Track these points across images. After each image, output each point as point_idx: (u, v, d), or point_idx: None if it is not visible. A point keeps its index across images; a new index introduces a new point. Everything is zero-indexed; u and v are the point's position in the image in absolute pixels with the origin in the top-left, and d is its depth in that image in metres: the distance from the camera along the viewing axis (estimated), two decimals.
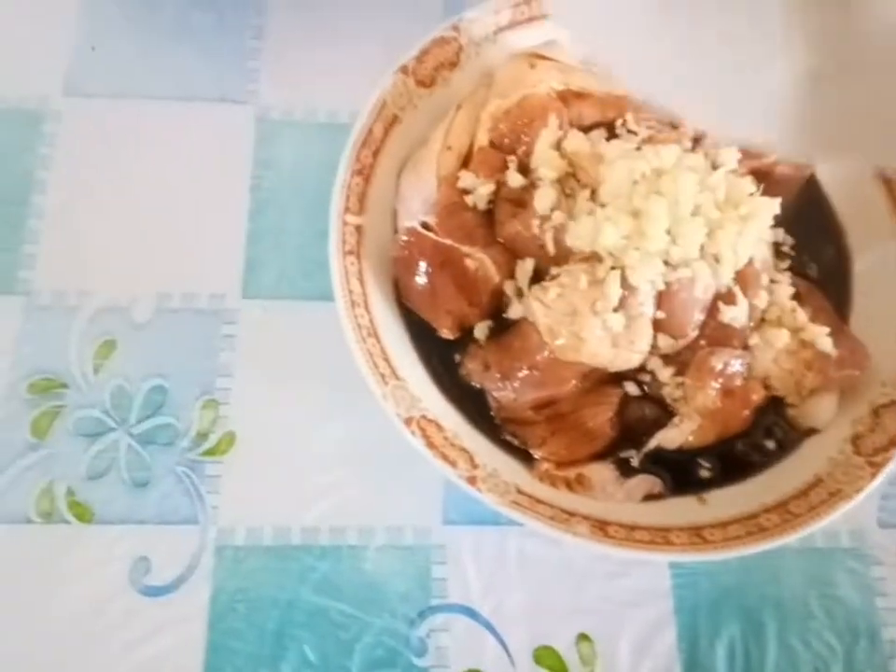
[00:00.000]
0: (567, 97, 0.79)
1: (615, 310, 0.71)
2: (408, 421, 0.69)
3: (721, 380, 0.73)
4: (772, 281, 0.78)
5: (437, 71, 0.83)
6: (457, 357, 0.78)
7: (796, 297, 0.78)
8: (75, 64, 0.94)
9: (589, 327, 0.71)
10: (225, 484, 0.79)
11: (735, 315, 0.73)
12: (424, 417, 0.71)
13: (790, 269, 0.81)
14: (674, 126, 0.83)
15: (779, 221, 0.81)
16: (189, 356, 0.83)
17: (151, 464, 0.78)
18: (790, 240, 0.83)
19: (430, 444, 0.69)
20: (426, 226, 0.75)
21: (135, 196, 0.88)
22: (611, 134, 0.80)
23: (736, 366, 0.74)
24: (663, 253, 0.71)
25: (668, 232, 0.70)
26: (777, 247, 0.82)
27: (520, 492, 0.70)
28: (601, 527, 0.68)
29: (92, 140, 0.91)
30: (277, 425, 0.80)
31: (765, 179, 0.81)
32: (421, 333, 0.78)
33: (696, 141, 0.82)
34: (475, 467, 0.70)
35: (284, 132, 0.92)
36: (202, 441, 0.80)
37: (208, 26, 0.98)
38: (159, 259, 0.86)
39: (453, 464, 0.69)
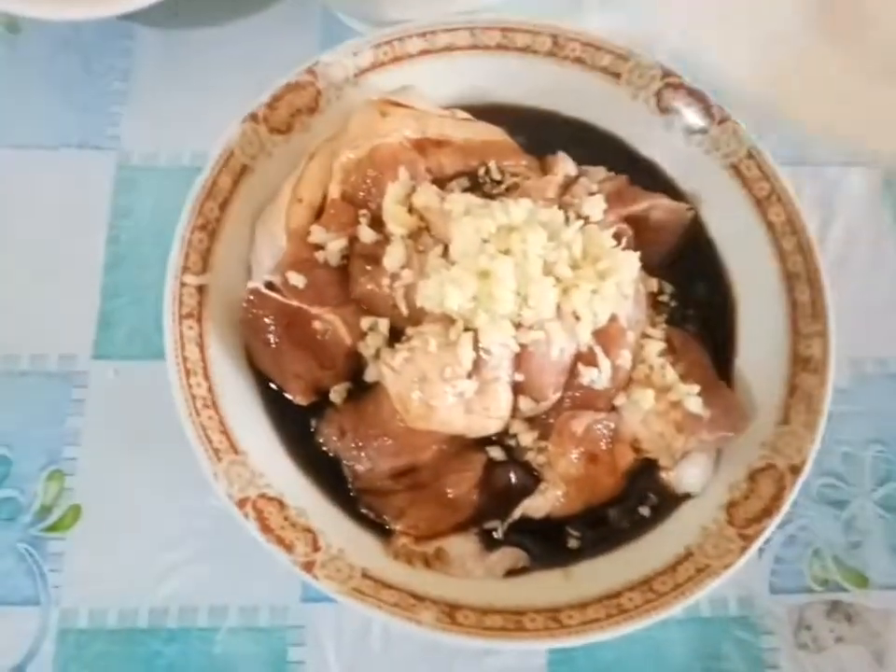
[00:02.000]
0: (424, 146, 0.74)
1: (468, 375, 0.67)
2: (241, 502, 0.65)
3: (583, 445, 0.69)
4: (644, 335, 0.73)
5: (293, 117, 0.79)
6: (313, 423, 0.73)
7: (669, 351, 0.73)
8: None
9: (439, 393, 0.66)
10: (68, 562, 0.74)
11: (595, 377, 0.68)
12: (263, 496, 0.67)
13: (667, 320, 0.76)
14: (544, 171, 0.79)
15: (657, 270, 0.78)
16: (36, 422, 0.78)
17: None
18: (669, 288, 0.79)
19: (265, 527, 0.64)
20: (271, 286, 0.71)
21: None
22: (474, 183, 0.76)
23: (600, 429, 0.70)
24: (514, 314, 0.66)
25: (519, 293, 0.66)
26: (653, 297, 0.77)
27: (366, 576, 0.65)
28: (450, 613, 0.64)
29: None
30: (126, 497, 0.76)
31: (641, 226, 0.77)
32: (276, 399, 0.73)
33: (566, 187, 0.77)
34: (316, 549, 0.65)
35: (145, 178, 0.88)
36: (45, 515, 0.75)
37: (73, 70, 0.93)
38: (7, 317, 0.81)
39: (289, 548, 0.64)
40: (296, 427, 0.73)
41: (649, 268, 0.76)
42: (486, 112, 0.83)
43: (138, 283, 0.83)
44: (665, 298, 0.78)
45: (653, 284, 0.77)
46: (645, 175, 0.82)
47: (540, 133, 0.84)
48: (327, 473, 0.71)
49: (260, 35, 0.95)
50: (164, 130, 0.89)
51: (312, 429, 0.73)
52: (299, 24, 0.95)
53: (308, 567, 0.63)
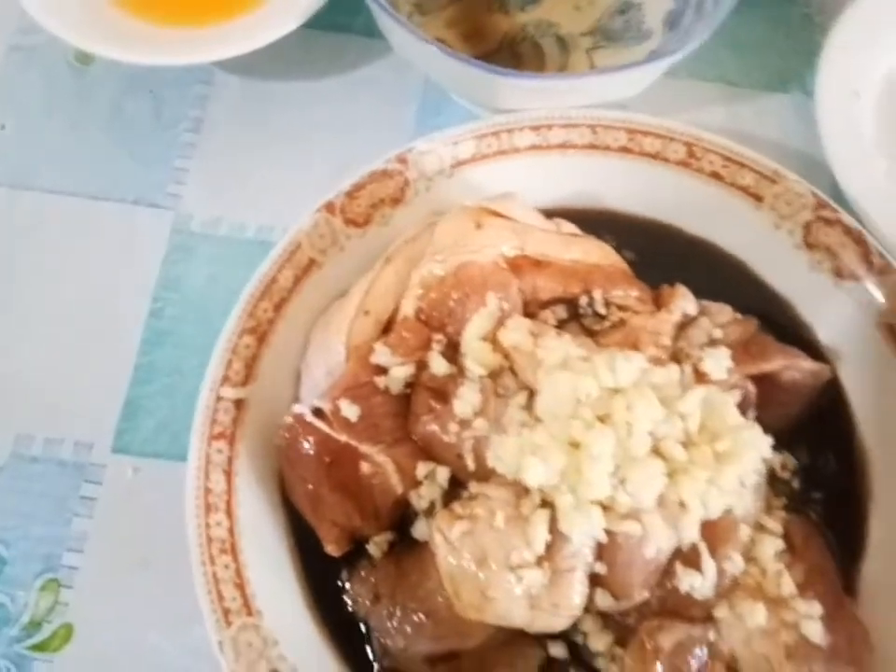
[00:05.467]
0: (521, 265, 0.63)
1: (538, 561, 0.54)
2: None
3: (669, 664, 0.56)
4: (757, 526, 0.60)
5: (374, 208, 0.68)
6: (345, 576, 0.61)
7: (787, 547, 0.60)
8: None
9: (500, 583, 0.54)
10: None
11: (696, 584, 0.55)
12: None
13: (785, 505, 0.63)
14: (658, 304, 0.66)
15: (778, 439, 0.64)
16: (40, 519, 0.69)
17: None
18: (792, 462, 0.65)
19: None
20: (319, 412, 0.59)
21: (11, 307, 0.75)
22: (573, 314, 0.64)
23: (693, 649, 0.56)
24: (607, 498, 0.54)
25: (615, 474, 0.53)
26: (772, 474, 0.64)
27: None
28: None
29: None
30: (125, 622, 0.66)
31: (770, 386, 0.64)
32: (307, 541, 0.62)
33: (682, 326, 0.64)
34: None
35: (202, 246, 0.77)
36: (34, 630, 0.66)
37: (142, 114, 0.83)
38: (26, 391, 0.72)
39: None
40: (325, 578, 0.62)
41: (768, 429, 0.63)
42: (596, 219, 0.71)
43: (174, 367, 0.73)
44: (786, 475, 0.64)
45: (776, 462, 0.63)
46: (778, 318, 0.70)
47: (657, 249, 0.72)
48: (352, 644, 0.60)
49: (352, 94, 0.84)
50: (232, 194, 0.80)
51: (342, 583, 0.61)
52: (397, 87, 0.84)
53: None
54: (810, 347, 0.68)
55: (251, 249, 0.77)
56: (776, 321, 0.69)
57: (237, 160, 0.81)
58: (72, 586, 0.67)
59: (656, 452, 0.55)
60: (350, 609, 0.61)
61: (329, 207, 0.65)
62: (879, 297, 0.67)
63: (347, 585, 0.61)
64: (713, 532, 0.57)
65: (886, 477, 0.65)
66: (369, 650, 0.60)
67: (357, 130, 0.81)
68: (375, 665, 0.59)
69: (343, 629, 0.60)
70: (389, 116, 0.83)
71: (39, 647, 0.65)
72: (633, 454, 0.53)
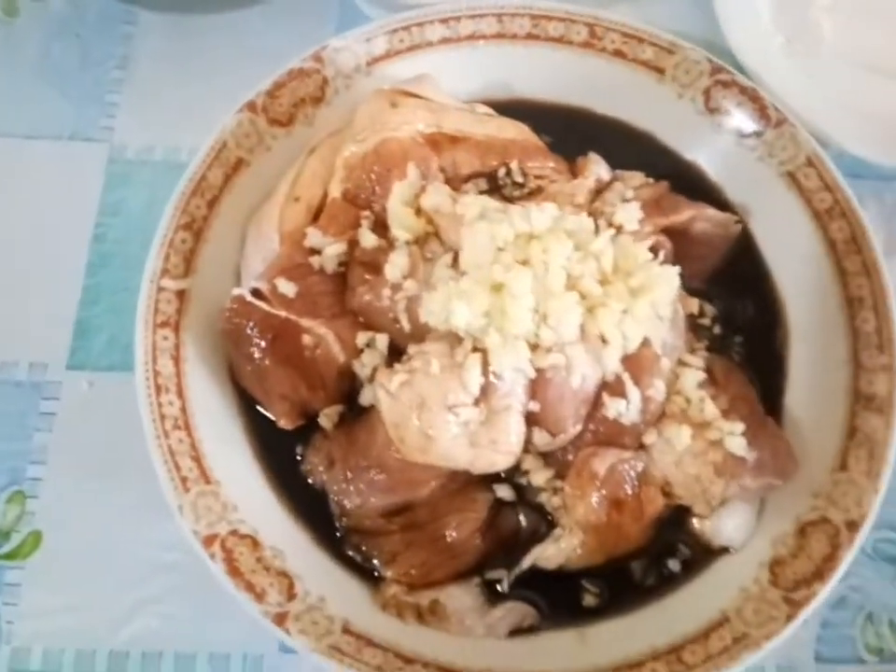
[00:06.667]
0: (438, 141, 0.66)
1: (475, 402, 0.58)
2: (208, 539, 0.57)
3: (606, 487, 0.60)
4: (681, 363, 0.64)
5: (296, 108, 0.71)
6: (299, 450, 0.64)
7: (710, 382, 0.64)
8: None
9: (440, 422, 0.57)
10: (25, 595, 0.66)
11: (622, 409, 0.59)
12: (234, 533, 0.58)
13: (708, 347, 0.67)
14: (573, 174, 0.70)
15: (698, 289, 0.68)
16: (1, 435, 0.70)
17: None
18: (711, 310, 0.69)
19: (233, 570, 0.56)
20: (257, 293, 0.62)
21: None
22: (493, 186, 0.67)
23: (626, 470, 0.61)
24: (531, 335, 0.57)
25: (537, 310, 0.57)
26: (693, 320, 0.68)
27: (347, 631, 0.57)
28: None
29: None
30: (91, 525, 0.68)
31: (682, 239, 0.68)
32: (259, 421, 0.65)
33: (597, 193, 0.68)
34: (291, 598, 0.57)
35: (138, 173, 0.80)
36: (3, 541, 0.68)
37: (70, 56, 0.86)
38: None
39: (260, 596, 0.56)
40: (280, 454, 0.65)
41: (689, 287, 0.67)
42: (510, 107, 0.75)
43: (122, 286, 0.75)
44: (706, 321, 0.69)
45: (694, 305, 0.67)
46: (688, 181, 0.74)
47: (571, 132, 0.75)
48: (311, 509, 0.63)
49: (272, 23, 0.87)
50: (162, 122, 0.82)
51: (298, 458, 0.64)
52: (314, 13, 0.87)
53: (280, 619, 0.55)
54: (722, 207, 0.72)
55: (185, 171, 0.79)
56: (687, 187, 0.73)
57: (165, 91, 0.84)
58: (37, 496, 0.69)
59: (573, 289, 0.58)
60: (307, 478, 0.63)
61: (252, 106, 0.68)
62: (778, 148, 0.71)
63: (302, 458, 0.64)
64: (635, 364, 0.61)
65: (800, 315, 0.70)
66: (327, 513, 0.63)
67: (281, 57, 0.84)
68: (336, 524, 0.62)
69: (301, 497, 0.63)
70: (309, 40, 0.86)
71: (9, 556, 0.67)
72: (551, 289, 0.57)
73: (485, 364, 0.58)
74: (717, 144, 0.73)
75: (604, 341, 0.59)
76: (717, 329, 0.69)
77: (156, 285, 0.63)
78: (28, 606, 0.66)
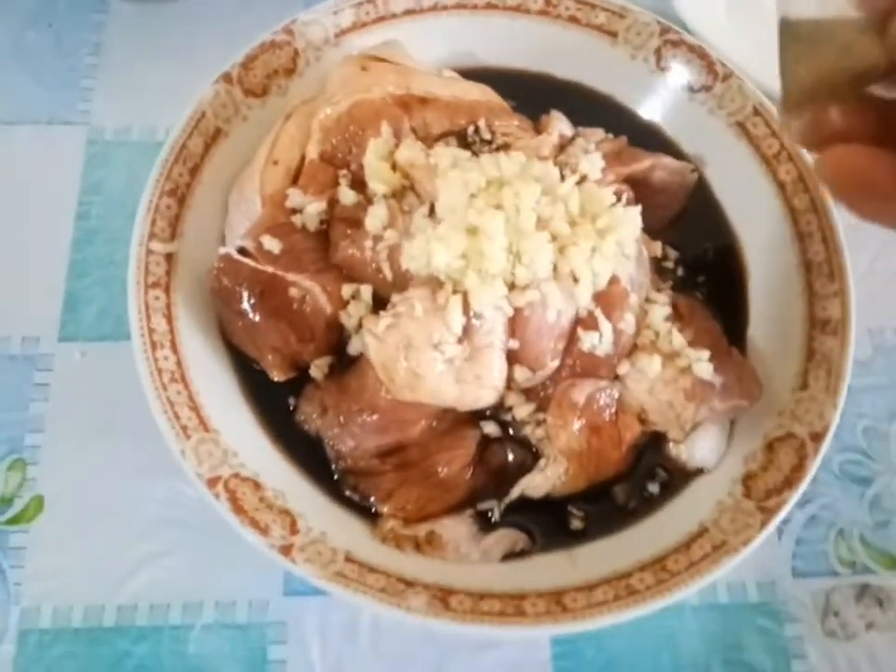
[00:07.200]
0: (409, 103, 0.69)
1: (458, 341, 0.61)
2: (212, 481, 0.59)
3: (585, 415, 0.64)
4: (648, 300, 0.68)
5: (269, 79, 0.74)
6: (292, 401, 0.67)
7: (676, 317, 0.68)
8: None
9: (426, 360, 0.61)
10: (30, 557, 0.68)
11: (595, 341, 0.63)
12: (236, 475, 0.61)
13: (673, 287, 0.71)
14: (538, 131, 0.74)
15: (660, 234, 0.72)
16: None
17: None
18: (673, 253, 0.73)
19: (238, 509, 0.59)
20: (243, 251, 0.65)
21: None
22: (463, 144, 0.71)
23: (603, 399, 0.64)
24: (506, 274, 0.61)
25: (511, 250, 0.61)
26: (657, 263, 0.72)
27: (349, 559, 0.59)
28: (443, 598, 0.58)
29: None
30: (92, 486, 0.70)
31: (642, 188, 0.72)
32: (252, 375, 0.68)
33: (561, 147, 0.72)
34: (294, 532, 0.59)
35: (117, 152, 0.83)
36: (6, 507, 0.70)
37: (43, 45, 0.88)
38: None
39: (264, 531, 0.58)
40: (274, 405, 0.67)
41: (652, 232, 0.71)
42: (474, 75, 0.78)
43: (108, 260, 0.78)
44: (669, 264, 0.73)
45: (657, 248, 0.72)
46: (646, 137, 0.78)
47: (532, 96, 0.79)
48: (307, 454, 0.66)
49: (243, 6, 0.90)
50: (138, 104, 0.85)
51: (291, 408, 0.67)
52: None
53: (286, 550, 0.58)
54: (679, 159, 0.77)
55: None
56: (645, 142, 0.77)
57: (138, 75, 0.86)
58: (37, 463, 0.70)
59: (544, 230, 0.62)
60: (302, 426, 0.66)
61: (227, 78, 0.72)
62: (727, 100, 0.75)
63: (296, 407, 0.67)
64: (606, 300, 0.64)
65: (756, 254, 0.74)
66: (323, 458, 0.66)
67: (253, 40, 0.87)
68: (332, 467, 0.65)
69: (297, 444, 0.66)
70: (280, 22, 0.89)
71: (13, 520, 0.69)
72: (523, 230, 0.61)
73: (466, 305, 0.61)
74: (670, 100, 0.78)
75: (575, 279, 0.63)
76: (680, 272, 0.73)
77: (145, 247, 0.65)
78: (34, 567, 0.68)
